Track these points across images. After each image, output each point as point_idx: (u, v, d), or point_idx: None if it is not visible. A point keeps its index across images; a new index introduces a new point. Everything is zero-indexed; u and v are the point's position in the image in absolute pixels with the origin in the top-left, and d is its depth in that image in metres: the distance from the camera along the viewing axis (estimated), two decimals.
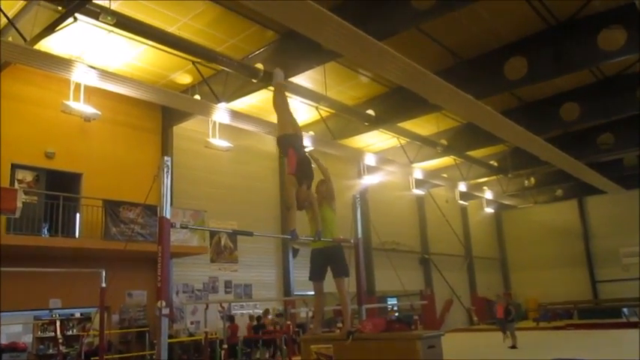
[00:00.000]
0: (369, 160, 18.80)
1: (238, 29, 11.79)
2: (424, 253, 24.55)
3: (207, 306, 11.87)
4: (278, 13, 8.97)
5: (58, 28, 9.74)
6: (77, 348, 12.37)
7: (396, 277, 10.51)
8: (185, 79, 13.84)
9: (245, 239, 15.77)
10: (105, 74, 11.33)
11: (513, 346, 12.90)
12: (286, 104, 6.32)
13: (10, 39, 9.89)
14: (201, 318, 13.22)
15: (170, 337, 11.44)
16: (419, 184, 22.97)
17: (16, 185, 11.61)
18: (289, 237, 5.52)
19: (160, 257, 4.19)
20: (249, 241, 15.76)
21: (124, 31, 10.68)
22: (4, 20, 10.02)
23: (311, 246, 6.08)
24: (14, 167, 11.87)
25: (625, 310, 22.96)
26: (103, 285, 9.13)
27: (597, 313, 23.24)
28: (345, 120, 16.59)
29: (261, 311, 15.44)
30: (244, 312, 15.62)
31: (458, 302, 25.73)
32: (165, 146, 14.79)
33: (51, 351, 12.81)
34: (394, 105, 15.50)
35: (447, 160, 22.15)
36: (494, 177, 24.33)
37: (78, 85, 11.83)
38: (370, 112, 15.78)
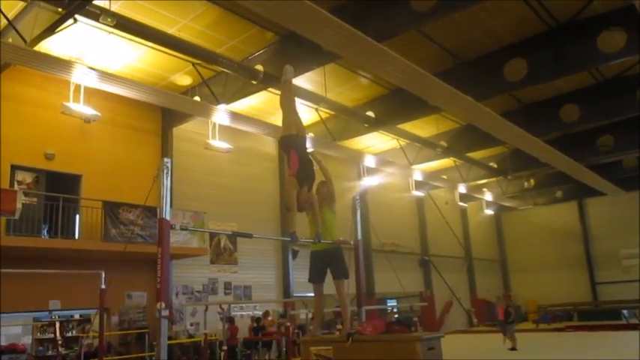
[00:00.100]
0: (369, 161, 18.80)
1: (238, 31, 11.80)
2: (424, 255, 24.54)
3: (206, 307, 11.85)
4: (278, 15, 8.98)
5: (58, 30, 9.73)
6: (77, 349, 12.36)
7: (396, 279, 10.52)
8: (185, 80, 13.84)
9: (245, 241, 15.77)
10: (105, 76, 11.34)
11: (513, 348, 12.89)
12: (293, 103, 6.20)
13: (10, 40, 9.90)
14: (200, 319, 13.20)
15: (170, 338, 11.44)
16: (419, 185, 22.97)
17: (16, 186, 11.61)
18: (289, 239, 5.51)
19: (160, 259, 4.18)
20: (249, 243, 15.76)
21: (123, 32, 10.70)
22: (4, 21, 10.03)
23: (310, 248, 6.07)
24: (14, 168, 11.86)
25: (625, 312, 22.94)
26: (103, 286, 9.14)
27: (597, 315, 23.24)
28: (345, 121, 16.59)
29: (260, 313, 15.43)
30: (244, 314, 15.61)
31: (458, 304, 25.71)
32: (165, 148, 14.79)
33: (50, 352, 12.78)
34: (394, 106, 15.51)
35: (446, 162, 22.14)
36: (493, 179, 24.34)
37: (78, 87, 11.83)
38: (370, 113, 15.78)
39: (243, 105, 14.89)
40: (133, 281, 13.15)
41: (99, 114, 12.17)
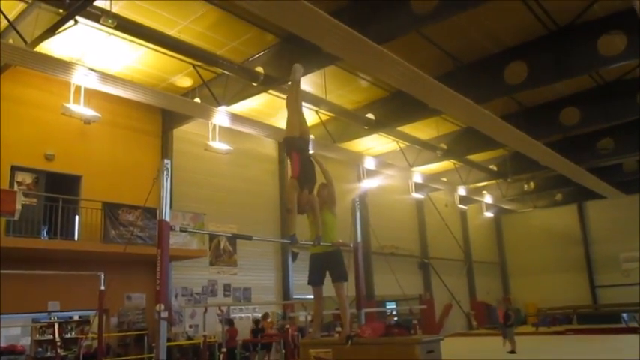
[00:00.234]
0: (369, 163, 18.80)
1: (238, 32, 11.81)
2: (423, 258, 24.53)
3: (205, 309, 11.85)
4: (278, 17, 8.98)
5: (58, 31, 9.75)
6: (76, 351, 12.34)
7: (395, 282, 10.52)
8: (185, 82, 13.85)
9: (244, 242, 15.78)
10: (105, 77, 11.34)
11: (512, 351, 12.89)
12: (299, 104, 6.18)
13: (10, 41, 9.91)
14: (199, 321, 13.18)
15: (169, 340, 11.45)
16: (418, 188, 22.95)
17: (16, 187, 11.59)
18: (289, 241, 5.51)
19: (159, 260, 4.18)
20: (249, 245, 15.76)
21: (124, 33, 10.71)
22: (4, 22, 10.04)
23: (310, 250, 6.07)
24: (14, 169, 11.85)
25: (624, 315, 22.89)
26: (102, 288, 9.14)
27: (597, 319, 23.20)
28: (345, 124, 16.60)
29: (260, 314, 15.41)
30: (243, 315, 15.59)
31: (457, 307, 25.68)
32: (165, 149, 14.79)
33: (49, 354, 12.77)
34: (394, 109, 15.52)
35: (446, 165, 22.15)
36: (493, 181, 24.35)
37: (78, 88, 11.83)
38: (370, 115, 15.80)
39: (243, 107, 14.89)
40: (133, 282, 13.13)
41: (99, 115, 12.17)
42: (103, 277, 9.14)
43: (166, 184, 4.33)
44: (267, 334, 14.43)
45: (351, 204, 7.11)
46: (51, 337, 12.65)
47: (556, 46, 12.35)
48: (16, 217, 10.36)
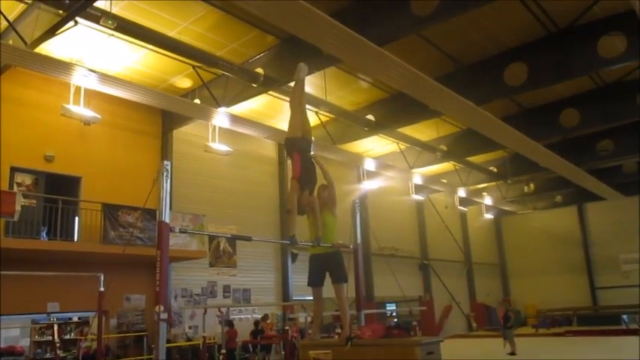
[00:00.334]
0: (369, 165, 18.79)
1: (238, 34, 11.81)
2: (423, 259, 24.51)
3: (205, 310, 11.83)
4: (278, 18, 8.98)
5: (58, 32, 9.74)
6: (75, 352, 12.33)
7: (395, 283, 10.50)
8: (185, 83, 13.85)
9: (244, 244, 15.77)
10: (105, 78, 11.34)
11: (512, 353, 12.86)
12: (302, 104, 6.13)
13: (10, 42, 9.91)
14: (199, 323, 13.16)
15: (168, 341, 11.44)
16: (418, 189, 22.96)
17: (15, 188, 11.58)
18: (288, 242, 5.50)
19: (159, 261, 4.17)
20: (248, 246, 15.76)
21: (124, 34, 10.70)
22: (4, 23, 10.03)
23: (310, 251, 6.06)
24: (13, 170, 11.84)
25: (624, 317, 22.89)
26: (102, 289, 9.13)
27: (596, 320, 23.20)
28: (345, 125, 16.60)
29: (259, 316, 15.40)
30: (243, 317, 15.57)
31: (457, 308, 25.67)
32: (165, 150, 14.78)
33: (48, 355, 12.74)
34: (394, 110, 15.52)
35: (446, 166, 22.13)
36: (493, 183, 24.36)
37: (78, 89, 11.83)
38: (370, 117, 15.79)
39: (243, 108, 14.88)
40: (132, 284, 13.11)
41: (99, 116, 12.16)
42: (102, 278, 9.14)
43: (166, 186, 4.32)
44: (267, 336, 14.41)
45: (351, 205, 7.10)
46: (50, 338, 12.61)
47: (556, 47, 12.35)
48: (16, 218, 10.36)
